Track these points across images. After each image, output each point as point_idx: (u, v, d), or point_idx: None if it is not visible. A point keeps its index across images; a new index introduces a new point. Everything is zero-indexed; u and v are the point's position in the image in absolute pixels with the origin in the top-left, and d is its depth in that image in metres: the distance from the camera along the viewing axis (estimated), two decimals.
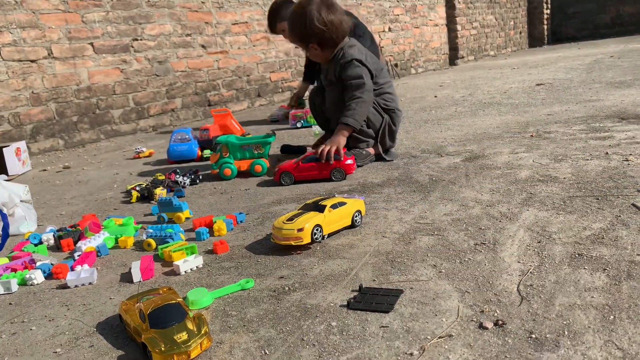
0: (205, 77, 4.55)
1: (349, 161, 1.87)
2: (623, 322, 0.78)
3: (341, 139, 1.93)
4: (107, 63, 3.82)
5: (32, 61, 3.39)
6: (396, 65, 6.91)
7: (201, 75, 4.50)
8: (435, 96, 4.17)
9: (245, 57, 4.89)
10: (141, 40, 4.03)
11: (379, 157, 2.15)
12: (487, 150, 2.07)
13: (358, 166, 2.06)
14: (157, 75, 4.17)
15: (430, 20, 7.61)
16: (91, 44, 3.71)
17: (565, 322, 0.80)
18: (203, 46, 4.50)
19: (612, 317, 0.80)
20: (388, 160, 2.11)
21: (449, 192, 1.58)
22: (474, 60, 8.38)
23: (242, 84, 4.89)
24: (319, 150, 1.87)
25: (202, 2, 4.47)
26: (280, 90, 5.29)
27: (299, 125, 3.35)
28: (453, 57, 8.01)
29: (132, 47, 3.98)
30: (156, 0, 4.10)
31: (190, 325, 0.85)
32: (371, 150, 2.14)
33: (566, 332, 0.78)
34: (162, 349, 0.81)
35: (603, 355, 0.71)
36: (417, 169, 1.92)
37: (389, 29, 6.79)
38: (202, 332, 0.85)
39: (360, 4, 6.24)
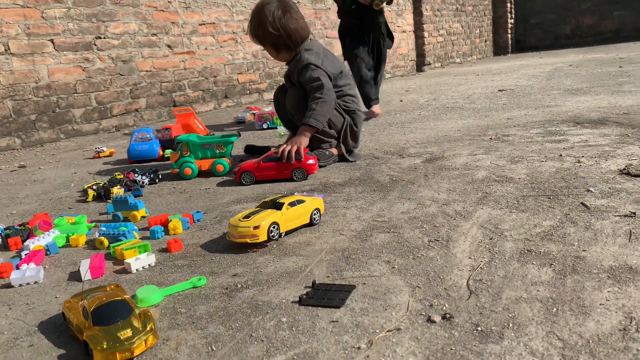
0: (171, 78, 4.48)
1: (311, 161, 1.87)
2: (565, 314, 0.80)
3: (303, 139, 1.93)
4: (68, 61, 3.71)
5: None
6: None
7: (167, 75, 4.43)
8: (401, 100, 4.22)
9: (212, 57, 4.84)
10: (104, 38, 3.94)
11: (342, 158, 2.15)
12: (447, 152, 2.10)
13: (321, 166, 2.06)
14: (121, 75, 4.08)
15: (398, 26, 7.70)
16: (51, 40, 3.61)
17: (510, 315, 0.82)
18: (169, 46, 4.43)
19: (555, 309, 0.82)
20: (351, 161, 2.12)
21: (408, 191, 1.59)
22: (441, 67, 8.52)
23: (209, 84, 4.83)
24: (280, 150, 1.86)
25: (169, 2, 4.40)
26: (248, 92, 5.25)
27: (265, 126, 3.33)
28: (420, 63, 8.13)
29: (95, 45, 3.89)
30: None
31: (135, 322, 0.83)
32: (334, 151, 2.14)
33: (511, 325, 0.79)
34: (104, 346, 0.78)
35: (544, 345, 0.73)
36: (379, 169, 1.93)
37: None
38: (148, 328, 0.82)
39: (329, 9, 6.27)
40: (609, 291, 0.85)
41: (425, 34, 8.09)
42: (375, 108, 3.26)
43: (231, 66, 5.05)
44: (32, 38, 3.49)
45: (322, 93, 2.01)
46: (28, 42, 3.47)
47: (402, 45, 7.80)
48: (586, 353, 0.70)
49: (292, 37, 2.06)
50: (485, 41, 10.53)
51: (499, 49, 10.81)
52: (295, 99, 2.13)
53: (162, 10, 4.35)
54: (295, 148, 1.85)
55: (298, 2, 5.79)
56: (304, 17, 2.18)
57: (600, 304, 0.82)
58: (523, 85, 4.38)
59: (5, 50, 3.36)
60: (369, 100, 3.25)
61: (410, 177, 1.76)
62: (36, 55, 3.52)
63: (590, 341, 0.72)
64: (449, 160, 1.96)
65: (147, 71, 4.27)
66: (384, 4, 3.14)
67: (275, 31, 2.03)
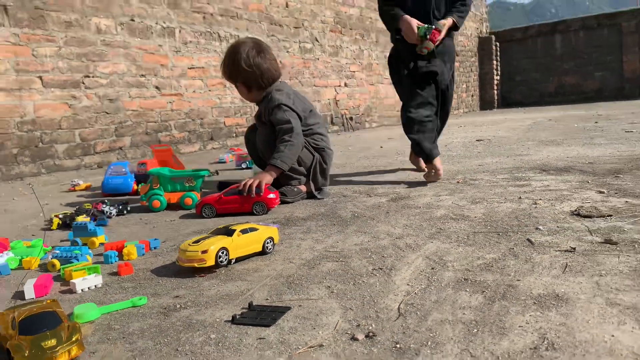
0: (158, 118, 4.57)
1: (271, 195, 1.90)
2: (483, 335, 0.82)
3: (266, 176, 1.97)
4: (55, 97, 3.80)
5: None
6: (351, 118, 7.13)
7: (153, 115, 4.52)
8: (381, 147, 4.31)
9: (200, 100, 4.95)
10: (93, 77, 4.05)
11: (310, 195, 2.19)
12: (413, 193, 2.15)
13: (288, 202, 2.09)
14: (107, 113, 4.16)
15: (386, 78, 7.94)
16: (40, 77, 3.70)
17: (431, 335, 0.83)
18: (157, 87, 4.55)
19: (475, 330, 0.83)
20: (319, 199, 2.15)
21: (366, 226, 1.62)
22: None
23: (195, 126, 4.92)
24: (242, 184, 1.90)
25: (159, 45, 4.55)
26: (234, 135, 5.34)
27: (243, 166, 3.38)
28: None
29: (83, 83, 3.99)
30: (112, 40, 4.16)
31: (61, 333, 0.84)
32: (302, 188, 2.18)
33: (429, 343, 0.80)
34: (25, 354, 0.78)
35: None
36: (344, 206, 1.97)
37: (345, 84, 7.05)
38: (73, 339, 0.83)
39: (318, 59, 6.49)
40: (530, 315, 0.87)
41: None
42: (437, 161, 2.35)
43: (218, 109, 5.16)
44: (20, 74, 3.58)
45: (291, 137, 2.07)
46: (16, 78, 3.56)
47: (390, 95, 8.03)
48: None
49: (264, 75, 2.15)
50: (472, 96, 10.85)
51: (486, 104, 11.12)
52: (265, 137, 2.19)
53: (152, 53, 4.49)
54: (256, 182, 1.89)
55: (287, 52, 6.00)
56: (277, 60, 2.28)
57: (519, 326, 0.84)
58: (501, 136, 4.50)
59: None
60: (426, 151, 2.34)
61: (372, 214, 1.79)
62: (23, 91, 3.60)
63: (500, 357, 0.74)
64: (413, 200, 2.00)
65: (133, 110, 4.35)
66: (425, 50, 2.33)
67: (248, 68, 2.11)
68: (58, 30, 3.77)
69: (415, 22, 2.32)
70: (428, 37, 2.29)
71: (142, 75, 4.41)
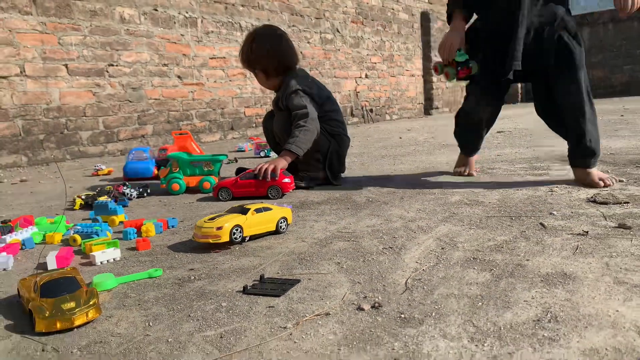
0: (179, 107, 4.63)
1: (286, 180, 1.93)
2: (488, 308, 0.83)
3: (281, 161, 2.00)
4: (80, 85, 3.88)
5: (3, 77, 3.44)
6: (371, 110, 7.11)
7: (175, 104, 4.59)
8: (400, 137, 4.30)
9: (220, 90, 5.01)
10: (117, 66, 4.13)
11: (326, 181, 2.21)
12: (430, 180, 2.15)
13: (304, 188, 2.11)
14: (130, 101, 4.24)
15: (407, 70, 7.90)
16: (65, 65, 3.79)
17: (436, 307, 0.84)
18: (179, 77, 4.61)
19: (480, 304, 0.85)
20: (335, 185, 2.17)
21: (380, 209, 1.63)
22: (449, 111, 8.65)
23: (216, 116, 4.98)
24: (258, 168, 1.93)
25: (182, 35, 4.61)
26: (254, 125, 5.39)
27: (262, 154, 3.42)
28: (428, 107, 8.27)
29: (107, 71, 4.06)
30: (135, 29, 4.23)
31: (80, 297, 0.87)
32: (319, 174, 2.20)
33: (434, 314, 0.82)
34: (46, 314, 0.83)
35: (458, 330, 0.75)
36: (359, 192, 1.98)
37: (366, 76, 7.03)
38: (91, 303, 0.87)
39: (339, 50, 6.48)
40: (536, 291, 0.88)
41: (434, 79, 8.27)
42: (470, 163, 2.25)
43: (239, 99, 5.21)
44: (47, 62, 3.67)
45: (306, 122, 2.09)
46: (43, 66, 3.65)
47: (411, 88, 7.97)
48: (494, 337, 0.73)
49: (282, 62, 2.17)
50: None
51: (509, 97, 10.95)
52: (283, 123, 2.21)
53: (175, 43, 4.55)
54: (272, 167, 1.92)
55: (308, 43, 6.01)
56: (295, 47, 2.29)
57: (524, 301, 0.84)
58: (522, 128, 4.44)
59: (21, 72, 3.53)
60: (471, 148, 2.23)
61: (387, 199, 1.80)
62: (50, 78, 3.70)
63: (502, 328, 0.75)
64: (429, 187, 2.00)
65: (155, 99, 4.42)
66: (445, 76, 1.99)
67: (267, 54, 2.14)
68: (83, 19, 3.85)
69: (459, 41, 1.91)
70: (459, 69, 1.92)
71: (165, 65, 4.48)
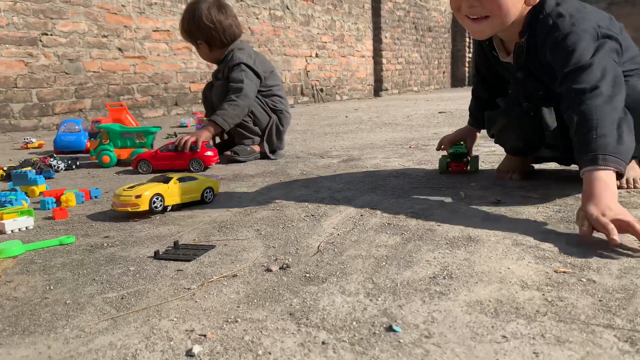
0: (120, 81, 4.47)
1: (209, 153, 1.91)
2: (390, 267, 0.86)
3: (205, 133, 1.97)
4: (10, 54, 3.67)
5: None
6: (321, 90, 7.10)
7: (115, 78, 4.42)
8: (346, 116, 4.33)
9: (164, 64, 4.86)
10: (51, 35, 3.92)
11: (264, 156, 2.20)
12: (365, 156, 2.18)
13: (240, 161, 2.10)
14: (67, 73, 4.05)
15: (357, 51, 7.92)
16: None
17: (342, 267, 0.87)
18: (120, 49, 4.43)
19: (384, 263, 0.87)
20: (272, 159, 2.17)
21: (311, 182, 1.65)
22: (398, 93, 8.77)
23: (159, 91, 4.84)
24: (178, 139, 1.91)
25: (123, 6, 4.42)
26: (200, 101, 5.27)
27: None
28: (378, 88, 8.35)
29: (41, 41, 3.86)
30: None
31: None
32: (256, 148, 2.19)
33: (337, 273, 0.84)
34: None
35: (356, 287, 0.78)
36: (295, 166, 1.99)
37: (316, 55, 7.00)
38: None
39: (289, 27, 6.41)
40: (439, 252, 0.92)
41: (384, 61, 8.33)
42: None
43: (183, 74, 5.08)
44: None
45: (239, 97, 2.07)
46: None
47: (361, 69, 8.01)
48: (389, 292, 0.75)
49: (226, 32, 2.13)
50: (444, 72, 10.91)
51: (457, 81, 11.20)
52: (221, 94, 2.18)
53: (115, 13, 4.36)
54: (193, 139, 1.89)
55: (257, 19, 5.91)
56: (237, 18, 2.25)
57: (426, 261, 0.88)
58: (464, 109, 4.57)
59: None
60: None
61: (320, 173, 1.82)
62: None
63: (399, 284, 0.78)
64: (363, 161, 2.03)
65: (94, 72, 4.25)
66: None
67: (210, 24, 2.09)
68: None
69: (449, 139, 1.79)
70: (450, 162, 1.70)
71: (104, 36, 4.29)
